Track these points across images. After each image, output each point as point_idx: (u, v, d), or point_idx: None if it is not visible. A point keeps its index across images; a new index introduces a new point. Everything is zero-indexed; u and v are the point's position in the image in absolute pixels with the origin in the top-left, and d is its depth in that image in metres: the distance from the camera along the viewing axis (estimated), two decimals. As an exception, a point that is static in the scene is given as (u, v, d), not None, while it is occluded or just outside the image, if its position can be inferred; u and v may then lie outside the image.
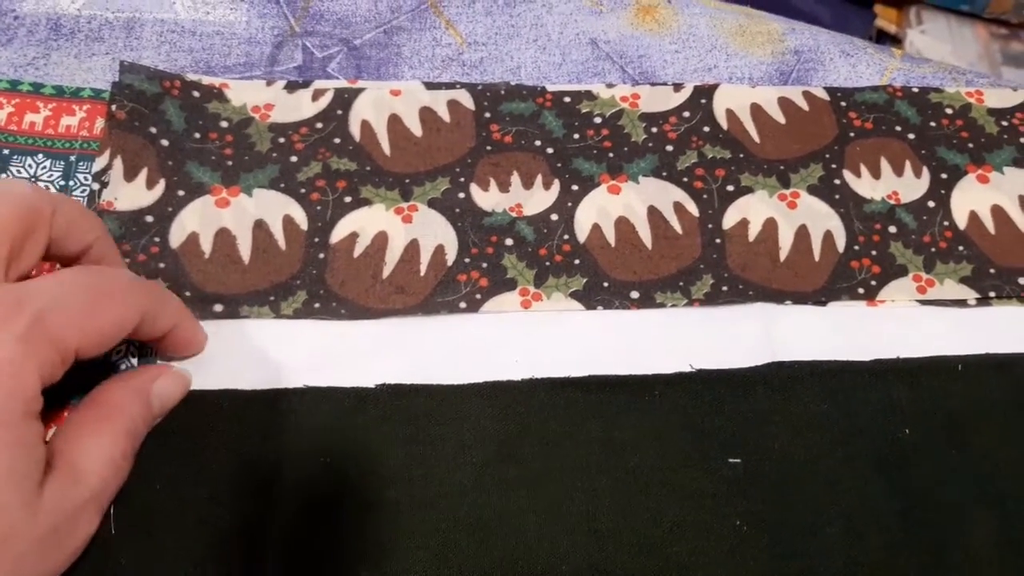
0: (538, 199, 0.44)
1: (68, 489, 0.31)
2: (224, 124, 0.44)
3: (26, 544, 0.29)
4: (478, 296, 0.41)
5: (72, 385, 0.36)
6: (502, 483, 0.36)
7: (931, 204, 0.45)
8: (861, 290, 0.42)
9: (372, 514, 0.35)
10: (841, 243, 0.43)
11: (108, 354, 0.37)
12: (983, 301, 0.42)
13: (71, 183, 0.41)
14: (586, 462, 0.36)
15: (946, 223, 0.44)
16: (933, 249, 0.43)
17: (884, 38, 1.20)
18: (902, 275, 0.43)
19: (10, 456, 0.29)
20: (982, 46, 1.16)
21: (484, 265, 0.41)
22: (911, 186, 0.45)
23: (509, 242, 0.42)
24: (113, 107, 0.43)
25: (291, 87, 0.46)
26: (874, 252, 0.43)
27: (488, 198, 0.43)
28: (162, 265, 0.40)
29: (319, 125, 0.45)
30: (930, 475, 0.37)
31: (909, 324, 0.41)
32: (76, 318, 0.31)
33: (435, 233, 0.42)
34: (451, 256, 0.42)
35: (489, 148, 0.45)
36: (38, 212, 0.32)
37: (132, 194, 0.41)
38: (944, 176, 0.46)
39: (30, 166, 0.41)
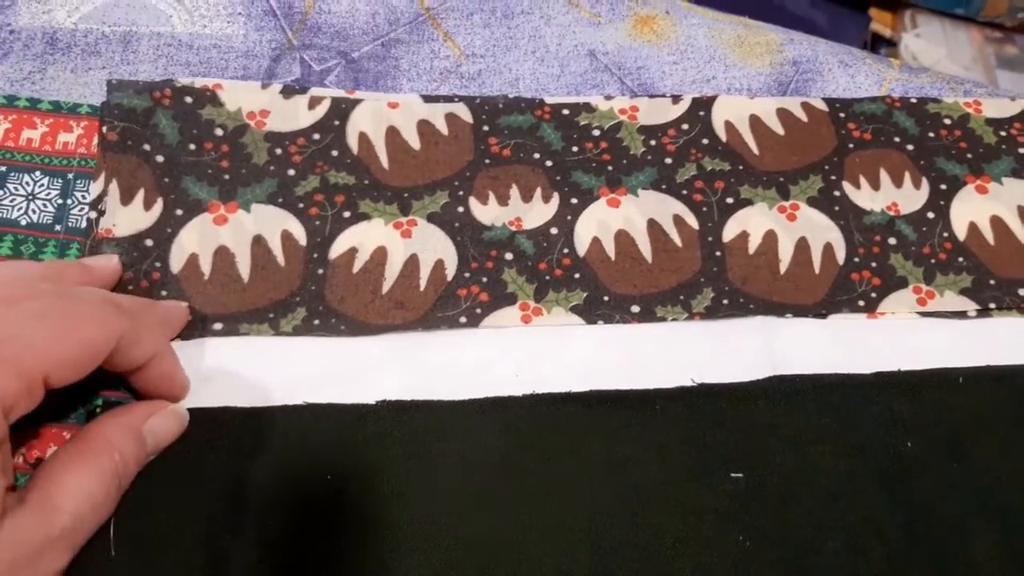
0: (537, 213, 0.43)
1: (35, 523, 0.30)
2: (219, 132, 0.44)
3: None
4: (478, 311, 0.40)
5: (61, 411, 0.36)
6: (504, 500, 0.35)
7: (931, 215, 0.45)
8: (861, 302, 0.42)
9: (373, 531, 0.35)
10: (841, 255, 0.43)
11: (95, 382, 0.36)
12: (983, 312, 0.42)
13: (69, 201, 0.41)
14: (588, 478, 0.36)
15: (946, 234, 0.44)
16: (933, 260, 0.43)
17: (879, 42, 1.20)
18: (902, 287, 0.43)
19: None
20: (976, 49, 1.17)
21: (484, 280, 0.41)
22: (910, 197, 0.45)
23: (509, 256, 0.42)
24: (104, 128, 0.43)
25: (287, 92, 0.46)
26: (874, 264, 0.43)
27: (487, 212, 0.43)
28: (164, 292, 0.40)
29: (316, 136, 0.45)
30: (932, 488, 0.37)
31: (910, 336, 0.41)
32: (40, 346, 0.30)
33: (434, 248, 0.42)
34: (451, 271, 0.42)
35: (488, 161, 0.45)
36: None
37: (130, 217, 0.41)
38: (943, 187, 0.46)
39: (27, 183, 0.41)
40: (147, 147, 0.43)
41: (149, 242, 0.41)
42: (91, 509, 0.32)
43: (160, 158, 0.43)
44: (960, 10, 1.16)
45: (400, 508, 0.35)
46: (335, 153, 0.44)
